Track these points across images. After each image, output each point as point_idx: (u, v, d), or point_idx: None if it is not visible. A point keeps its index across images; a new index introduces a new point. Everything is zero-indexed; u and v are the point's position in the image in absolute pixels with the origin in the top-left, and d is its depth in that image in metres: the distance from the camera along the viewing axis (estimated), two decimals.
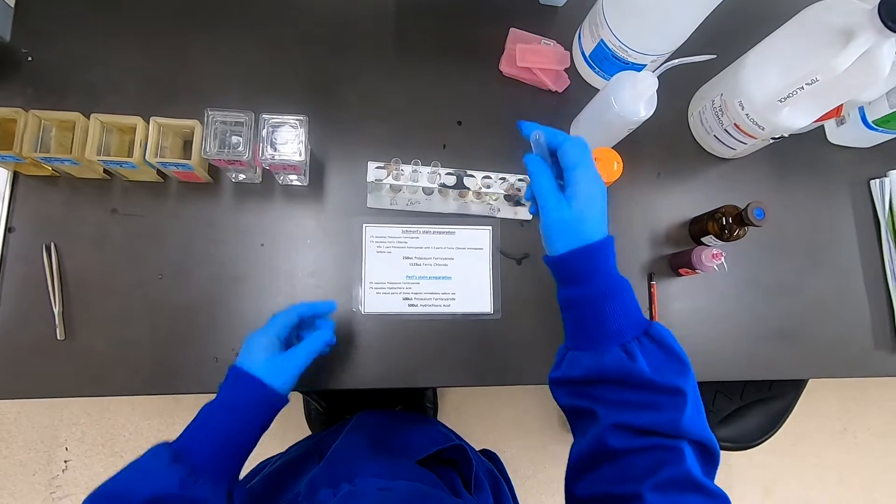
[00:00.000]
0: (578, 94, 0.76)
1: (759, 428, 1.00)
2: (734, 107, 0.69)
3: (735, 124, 0.71)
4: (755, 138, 0.71)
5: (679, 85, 0.80)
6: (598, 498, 0.42)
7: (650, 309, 0.73)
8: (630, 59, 0.69)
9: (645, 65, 0.69)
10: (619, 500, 0.39)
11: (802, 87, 0.61)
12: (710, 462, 0.41)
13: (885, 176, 0.82)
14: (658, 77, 0.61)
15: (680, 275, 0.74)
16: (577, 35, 0.77)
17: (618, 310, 0.44)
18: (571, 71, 0.78)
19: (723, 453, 1.10)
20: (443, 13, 0.77)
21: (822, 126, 0.83)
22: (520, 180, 0.65)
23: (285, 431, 0.87)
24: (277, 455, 0.73)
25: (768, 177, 0.81)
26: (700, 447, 0.40)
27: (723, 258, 0.67)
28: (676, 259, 0.73)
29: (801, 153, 0.82)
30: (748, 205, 0.66)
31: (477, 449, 0.77)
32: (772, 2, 0.83)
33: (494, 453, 0.81)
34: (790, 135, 0.70)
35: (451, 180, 0.63)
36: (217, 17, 0.72)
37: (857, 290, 0.79)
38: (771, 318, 0.77)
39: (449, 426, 0.79)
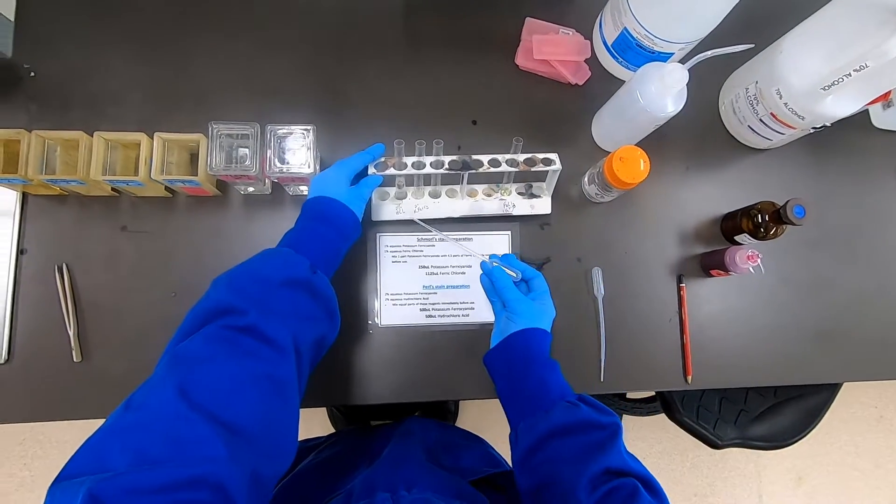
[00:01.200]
0: (601, 86, 0.72)
1: (794, 426, 0.96)
2: (771, 95, 0.64)
3: (772, 114, 0.66)
4: (794, 128, 0.66)
5: (708, 72, 0.74)
6: None
7: (679, 311, 0.69)
8: (656, 49, 0.64)
9: (672, 53, 0.64)
10: None
11: (850, 74, 0.56)
12: (657, 498, 0.43)
13: None
14: (689, 70, 0.57)
15: (711, 275, 0.70)
16: (597, 23, 0.72)
17: (556, 380, 0.51)
18: (592, 61, 0.73)
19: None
20: (454, 5, 0.73)
21: (867, 110, 0.77)
22: (528, 159, 0.61)
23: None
24: (317, 440, 0.72)
25: (807, 166, 0.76)
26: (646, 485, 0.43)
27: (759, 260, 0.62)
28: (708, 259, 0.69)
29: (843, 139, 0.76)
30: (787, 202, 0.61)
31: None
32: None
33: None
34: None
35: (457, 164, 0.60)
36: (218, 23, 0.69)
37: None
38: (807, 318, 0.72)
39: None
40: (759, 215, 0.65)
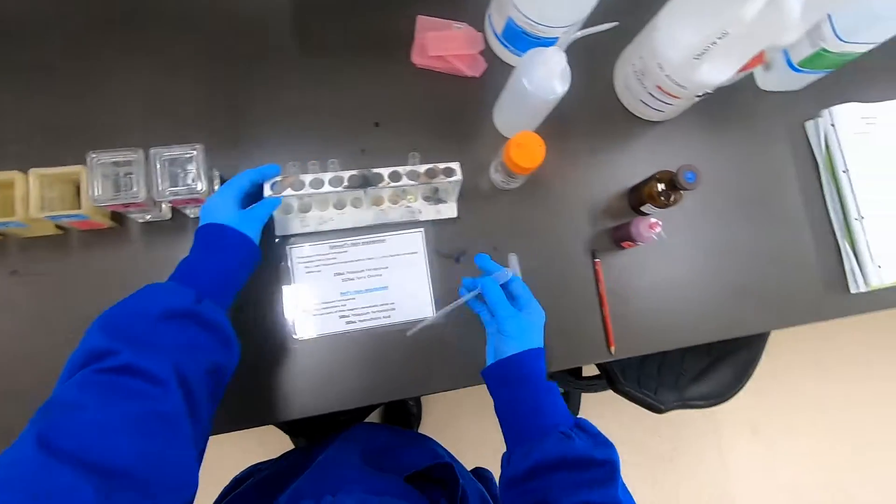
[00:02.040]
0: (497, 76, 0.73)
1: (731, 382, 1.01)
2: (654, 69, 0.67)
3: (657, 86, 0.69)
4: (679, 98, 0.69)
5: (602, 54, 0.78)
6: None
7: (597, 286, 0.71)
8: (540, 34, 0.66)
9: (557, 38, 0.66)
10: None
11: (715, 42, 0.59)
12: None
13: (819, 116, 0.81)
14: (566, 51, 0.58)
15: (623, 248, 0.72)
16: (487, 15, 0.74)
17: (551, 405, 0.51)
18: (487, 53, 0.74)
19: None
20: (345, 6, 0.73)
21: (752, 74, 0.82)
22: (429, 170, 0.61)
23: (270, 441, 0.84)
24: (266, 463, 0.71)
25: (704, 133, 0.79)
26: None
27: (660, 227, 0.65)
28: (617, 233, 0.71)
29: (734, 104, 0.80)
30: (678, 169, 0.64)
31: (471, 467, 0.76)
32: None
33: (488, 474, 0.79)
34: (718, 88, 0.68)
35: (357, 180, 0.60)
36: (100, 45, 0.67)
37: (803, 235, 0.78)
38: (726, 277, 0.76)
39: (441, 439, 0.77)
40: (658, 184, 0.68)
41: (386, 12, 0.73)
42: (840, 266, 0.78)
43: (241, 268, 0.53)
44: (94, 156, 0.54)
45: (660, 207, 0.69)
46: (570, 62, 0.61)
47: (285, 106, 0.69)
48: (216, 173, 0.64)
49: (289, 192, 0.58)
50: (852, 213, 0.76)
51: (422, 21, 0.73)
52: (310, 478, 0.56)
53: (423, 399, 1.48)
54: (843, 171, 0.77)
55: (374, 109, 0.71)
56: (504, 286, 0.56)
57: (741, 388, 1.00)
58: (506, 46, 0.72)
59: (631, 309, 0.72)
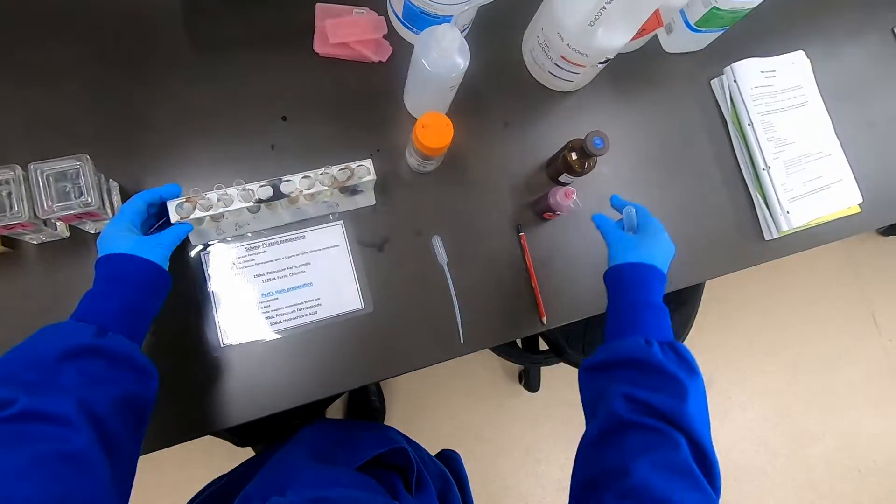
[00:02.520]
0: (404, 59, 0.71)
1: (677, 335, 1.04)
2: (555, 39, 0.67)
3: (562, 56, 0.69)
4: (584, 66, 0.70)
5: (509, 28, 0.78)
6: (592, 480, 0.44)
7: (524, 259, 0.72)
8: (438, 13, 0.65)
9: (452, 15, 0.65)
10: (610, 475, 0.41)
11: (605, 7, 0.60)
12: (706, 469, 0.42)
13: (722, 73, 0.83)
14: (471, 27, 0.58)
15: (546, 219, 0.73)
16: None
17: (651, 318, 0.51)
18: (393, 36, 0.73)
19: None
20: (236, 2, 0.70)
21: (657, 38, 0.84)
22: (341, 170, 0.60)
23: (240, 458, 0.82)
24: (225, 475, 0.69)
25: (615, 99, 0.81)
26: (697, 449, 0.42)
27: (574, 195, 0.66)
28: (537, 205, 0.72)
29: (641, 69, 0.82)
30: (587, 136, 0.65)
31: (440, 446, 0.76)
32: None
33: (454, 454, 0.79)
34: (626, 54, 0.70)
35: (267, 192, 0.58)
36: None
37: (718, 189, 0.81)
38: None
39: (408, 429, 0.77)
40: (572, 153, 0.69)
41: (282, 4, 0.71)
42: (754, 215, 0.82)
43: (150, 295, 0.50)
44: None
45: (576, 175, 0.70)
46: (477, 39, 0.61)
47: (185, 107, 0.66)
48: (114, 184, 0.61)
49: (198, 213, 0.56)
50: (760, 164, 0.80)
51: (321, 9, 0.71)
52: (259, 481, 0.55)
53: (386, 391, 1.48)
54: (749, 125, 0.80)
55: (281, 103, 0.69)
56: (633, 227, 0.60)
57: (683, 339, 1.03)
58: (408, 28, 0.71)
59: (559, 278, 0.73)
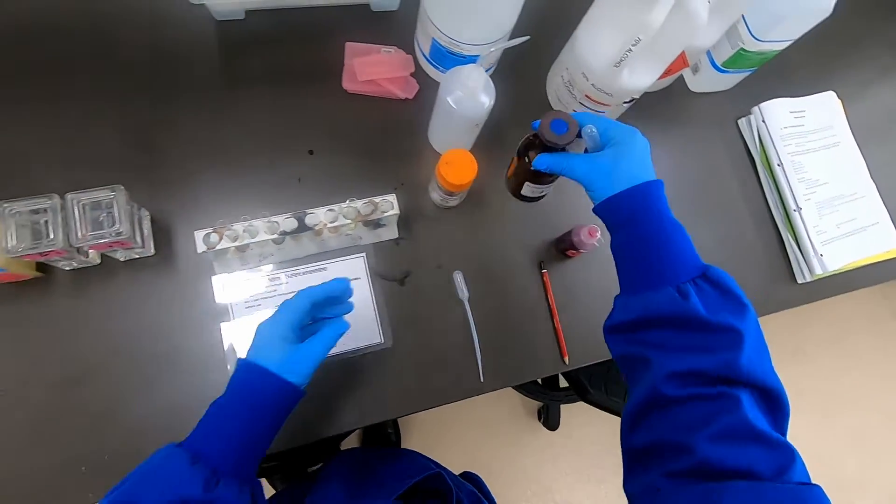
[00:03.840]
0: (430, 97, 0.73)
1: None
2: (580, 79, 0.68)
3: (586, 95, 0.70)
4: (608, 105, 0.70)
5: (534, 67, 0.79)
6: (653, 446, 0.40)
7: (546, 297, 0.71)
8: (464, 52, 0.66)
9: (479, 55, 0.67)
10: (673, 449, 0.37)
11: (630, 49, 0.60)
12: (775, 409, 0.38)
13: (750, 113, 0.83)
14: (498, 66, 0.59)
15: (568, 257, 0.72)
16: (414, 38, 0.74)
17: (672, 251, 0.44)
18: (419, 74, 0.75)
19: None
20: (271, 38, 0.73)
21: (683, 78, 0.84)
22: (365, 204, 0.61)
23: None
24: None
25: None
26: (762, 393, 0.38)
27: (598, 234, 0.65)
28: (560, 243, 0.72)
29: (668, 108, 0.82)
30: (541, 123, 0.51)
31: (458, 472, 0.74)
32: None
33: (475, 475, 0.78)
34: (652, 93, 0.69)
35: (292, 224, 0.59)
36: (9, 89, 0.65)
37: (747, 230, 0.80)
38: None
39: (425, 454, 0.75)
40: (530, 152, 0.57)
41: (312, 42, 0.74)
42: (785, 258, 0.79)
43: (278, 417, 0.47)
44: (6, 205, 0.52)
45: (544, 183, 0.61)
46: (502, 77, 0.61)
47: (216, 139, 0.68)
48: (145, 213, 0.62)
49: (224, 243, 0.57)
50: (791, 205, 0.78)
51: (350, 48, 0.73)
52: None
53: (402, 421, 1.46)
54: (778, 165, 0.79)
55: (308, 137, 0.71)
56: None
57: None
58: (435, 66, 0.72)
59: (582, 317, 0.71)
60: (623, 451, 0.43)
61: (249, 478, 0.45)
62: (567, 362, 0.69)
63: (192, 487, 0.39)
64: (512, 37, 0.58)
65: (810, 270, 0.76)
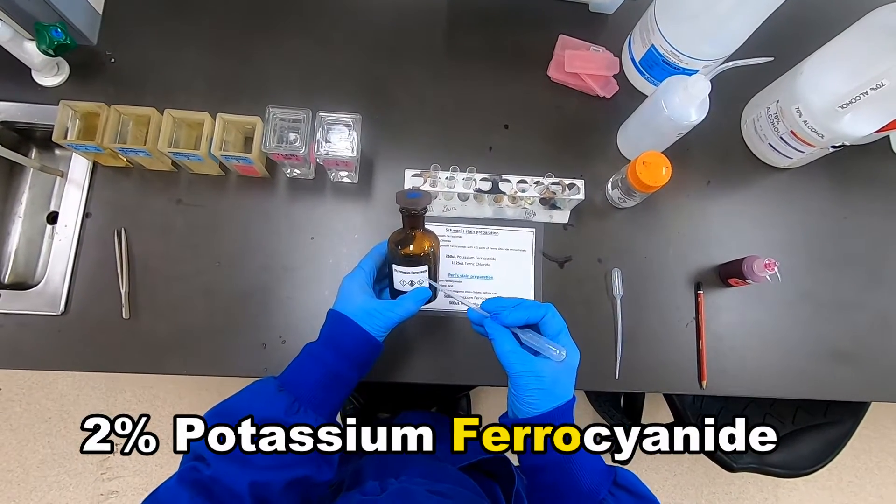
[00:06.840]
0: (626, 101, 0.76)
1: (812, 455, 0.95)
2: (791, 113, 0.67)
3: (792, 132, 0.69)
4: (813, 146, 0.69)
5: (733, 92, 0.79)
6: None
7: (697, 318, 0.71)
8: (682, 65, 0.68)
9: (696, 70, 0.68)
10: None
11: (867, 93, 0.59)
12: None
13: None
14: (710, 81, 0.61)
15: (730, 285, 0.72)
16: (627, 41, 0.77)
17: (586, 464, 0.46)
18: (620, 78, 0.78)
19: (770, 481, 1.05)
20: (493, 18, 0.79)
21: (888, 137, 0.80)
22: (554, 183, 0.65)
23: None
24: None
25: (827, 188, 0.78)
26: None
27: (776, 268, 0.64)
28: (726, 269, 0.71)
29: (863, 164, 0.79)
30: (397, 196, 0.51)
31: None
32: (831, 7, 0.81)
33: None
34: (851, 144, 0.67)
35: (487, 185, 0.64)
36: (279, 21, 0.76)
37: None
38: (828, 336, 0.73)
39: None
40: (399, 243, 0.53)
41: (530, 29, 0.79)
42: None
43: (357, 366, 0.52)
44: (272, 110, 0.61)
45: (416, 263, 0.53)
46: None
47: (427, 98, 0.75)
48: (361, 144, 0.70)
49: (426, 186, 0.64)
50: None
51: (563, 40, 0.78)
52: (370, 460, 0.59)
53: (475, 399, 1.48)
54: None
55: (506, 113, 0.76)
56: (533, 325, 0.50)
57: (825, 464, 0.93)
58: (641, 73, 0.75)
59: (722, 347, 0.71)
60: None
61: (328, 411, 0.50)
62: (704, 386, 0.69)
63: (276, 410, 0.46)
64: (732, 59, 0.59)
65: None
